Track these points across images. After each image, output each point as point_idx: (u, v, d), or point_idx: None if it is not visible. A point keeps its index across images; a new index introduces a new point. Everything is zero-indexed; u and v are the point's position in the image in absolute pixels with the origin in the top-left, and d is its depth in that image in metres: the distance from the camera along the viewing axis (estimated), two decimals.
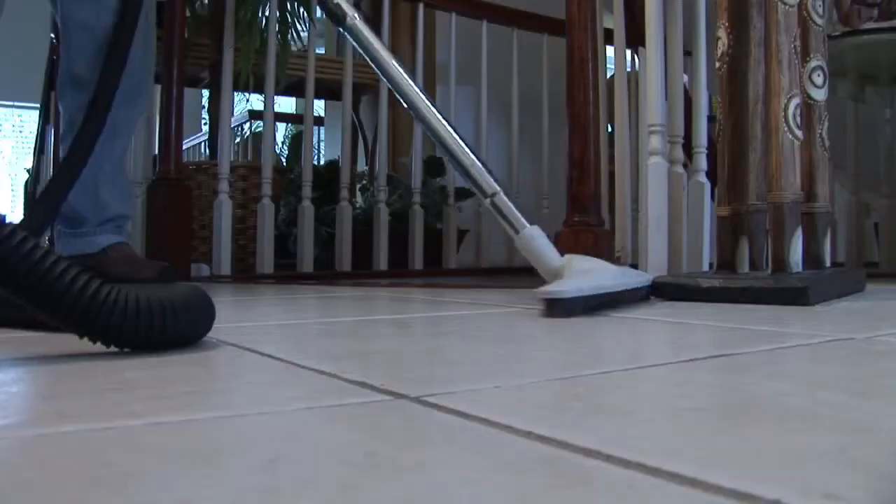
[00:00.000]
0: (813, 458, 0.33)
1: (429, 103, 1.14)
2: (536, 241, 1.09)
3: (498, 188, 1.11)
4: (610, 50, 2.07)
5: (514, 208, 1.10)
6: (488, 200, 1.11)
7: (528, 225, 1.10)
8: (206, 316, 0.71)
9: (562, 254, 1.11)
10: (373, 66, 1.17)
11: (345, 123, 2.66)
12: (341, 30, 1.17)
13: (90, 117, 1.22)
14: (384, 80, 1.17)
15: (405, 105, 1.15)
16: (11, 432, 0.39)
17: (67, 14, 1.47)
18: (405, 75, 1.15)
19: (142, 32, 1.52)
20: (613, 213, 1.90)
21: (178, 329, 0.66)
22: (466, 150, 1.12)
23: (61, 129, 1.53)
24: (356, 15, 1.15)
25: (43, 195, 1.22)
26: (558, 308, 0.97)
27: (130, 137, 1.60)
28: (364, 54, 1.17)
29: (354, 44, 1.18)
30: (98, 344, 0.62)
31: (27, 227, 1.14)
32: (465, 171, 1.12)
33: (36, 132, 4.43)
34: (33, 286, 0.58)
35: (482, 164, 1.12)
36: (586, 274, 1.06)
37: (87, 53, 1.46)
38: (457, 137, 1.12)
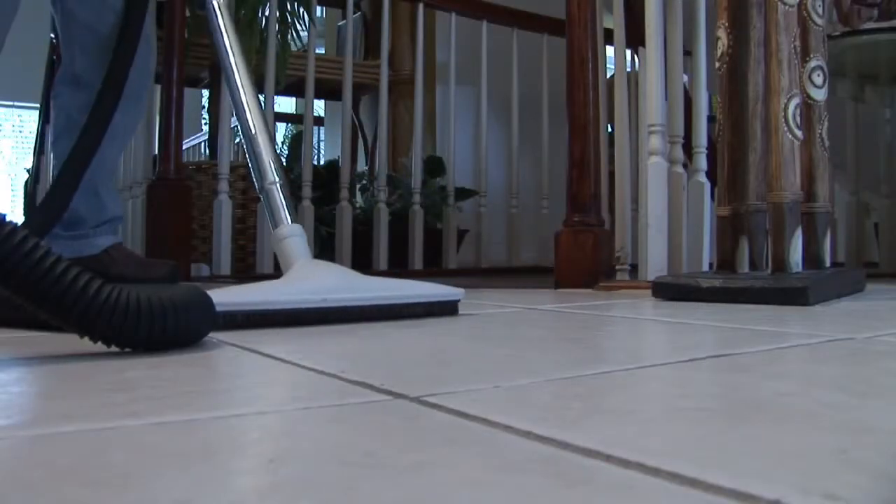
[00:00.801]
0: (813, 458, 0.33)
1: (246, 87, 1.11)
2: (283, 242, 1.02)
3: (277, 179, 1.05)
4: (610, 50, 2.07)
5: (281, 203, 1.04)
6: (263, 194, 1.06)
7: (288, 222, 1.02)
8: (206, 316, 0.71)
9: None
10: (214, 44, 1.18)
11: (345, 123, 2.66)
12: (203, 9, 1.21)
13: (95, 119, 1.22)
14: (219, 60, 1.16)
15: (227, 86, 1.14)
16: (13, 432, 0.39)
17: (69, 13, 1.47)
18: (236, 61, 1.13)
19: (144, 35, 1.52)
20: (613, 213, 1.90)
21: (178, 329, 0.66)
22: (264, 135, 1.08)
23: (56, 130, 1.53)
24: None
25: (47, 197, 1.22)
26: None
27: (129, 139, 1.60)
28: (212, 32, 1.18)
29: (210, 22, 1.19)
30: (99, 344, 0.62)
31: (30, 228, 1.14)
32: (253, 154, 1.08)
33: (36, 132, 4.42)
34: (34, 286, 0.58)
35: (272, 154, 1.09)
36: (293, 282, 0.96)
37: (89, 53, 1.46)
38: (261, 123, 1.09)
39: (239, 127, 1.10)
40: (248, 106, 1.10)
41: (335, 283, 0.96)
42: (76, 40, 1.47)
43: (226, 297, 0.86)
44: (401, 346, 0.75)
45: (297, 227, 1.02)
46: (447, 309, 1.02)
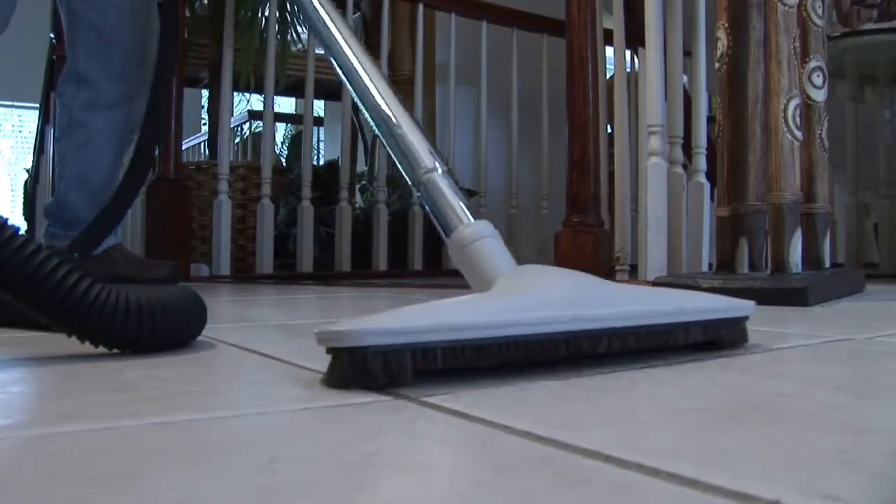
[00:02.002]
0: (813, 459, 0.33)
1: (369, 70, 0.81)
2: (475, 245, 0.65)
3: (438, 166, 0.72)
4: (609, 50, 2.07)
5: (453, 196, 0.70)
6: (424, 187, 0.72)
7: (470, 219, 0.67)
8: (196, 317, 0.70)
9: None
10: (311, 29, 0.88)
11: (344, 124, 2.66)
12: None
13: (149, 132, 1.20)
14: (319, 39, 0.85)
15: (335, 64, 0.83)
16: (13, 432, 0.39)
17: (73, 12, 1.47)
18: (346, 41, 0.82)
19: (149, 36, 1.52)
20: (613, 214, 1.90)
21: (167, 330, 0.65)
22: (410, 123, 0.77)
23: (58, 129, 1.53)
24: None
25: (107, 208, 1.21)
26: (346, 368, 0.49)
27: (133, 140, 1.60)
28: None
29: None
30: (87, 343, 0.62)
31: (84, 242, 1.14)
32: (397, 143, 0.76)
33: (36, 132, 4.42)
34: (22, 283, 0.58)
35: (429, 141, 0.76)
36: (515, 295, 0.58)
37: (93, 52, 1.47)
38: (400, 109, 0.80)
39: (370, 117, 0.80)
40: (380, 92, 0.79)
41: (580, 293, 0.60)
42: (80, 39, 1.47)
43: (395, 321, 0.51)
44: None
45: (487, 225, 0.67)
46: (734, 332, 0.66)
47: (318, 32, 0.85)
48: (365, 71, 0.81)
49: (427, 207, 0.72)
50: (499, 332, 0.52)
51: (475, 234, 0.66)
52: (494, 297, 0.58)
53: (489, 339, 0.51)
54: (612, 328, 0.57)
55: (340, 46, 0.82)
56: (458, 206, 0.69)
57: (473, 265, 0.64)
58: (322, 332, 0.51)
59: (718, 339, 0.64)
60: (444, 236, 0.68)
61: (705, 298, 0.69)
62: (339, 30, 0.83)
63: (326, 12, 0.85)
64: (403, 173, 0.75)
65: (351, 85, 0.82)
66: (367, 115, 0.81)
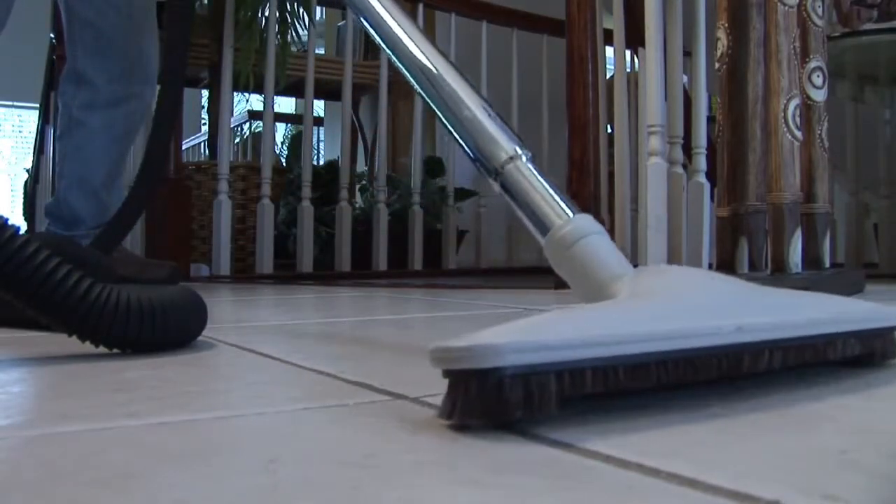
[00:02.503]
0: (813, 459, 0.33)
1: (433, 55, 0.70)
2: (580, 244, 0.54)
3: (521, 152, 0.64)
4: (609, 50, 2.07)
5: (545, 187, 0.60)
6: (503, 177, 0.64)
7: (570, 213, 0.57)
8: (197, 317, 0.70)
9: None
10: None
11: (344, 124, 2.66)
12: None
13: (159, 132, 1.20)
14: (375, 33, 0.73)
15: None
16: (13, 432, 0.39)
17: (72, 11, 1.47)
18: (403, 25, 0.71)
19: (149, 36, 1.52)
20: (613, 214, 1.90)
21: (168, 330, 0.65)
22: (481, 107, 0.69)
23: (58, 128, 1.53)
24: None
25: (124, 206, 1.21)
26: (474, 397, 0.37)
27: (132, 140, 1.60)
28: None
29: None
30: (93, 345, 0.62)
31: (111, 232, 1.14)
32: (467, 129, 0.68)
33: (36, 132, 4.42)
34: (23, 283, 0.58)
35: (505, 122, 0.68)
36: (648, 302, 0.48)
37: (91, 51, 1.47)
38: (469, 91, 0.70)
39: (430, 102, 0.70)
40: (447, 75, 0.68)
41: (731, 299, 0.51)
42: (79, 38, 1.47)
43: (532, 334, 0.39)
44: (400, 347, 0.74)
45: (590, 220, 0.56)
46: (888, 344, 0.55)
47: (372, 18, 0.71)
48: (428, 58, 0.69)
49: (512, 202, 0.62)
50: (663, 346, 0.41)
51: (579, 232, 0.55)
52: (636, 304, 0.47)
53: (652, 354, 0.41)
54: (775, 340, 0.47)
55: (403, 43, 0.70)
56: (554, 200, 0.58)
57: (580, 268, 0.53)
58: (440, 350, 0.39)
59: (873, 351, 0.53)
60: (538, 236, 0.58)
61: (857, 305, 0.58)
62: (394, 13, 0.70)
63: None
64: (476, 163, 0.66)
65: (409, 71, 0.70)
66: (427, 99, 0.70)
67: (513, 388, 0.36)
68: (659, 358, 0.41)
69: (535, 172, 0.61)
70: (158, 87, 1.38)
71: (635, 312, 0.45)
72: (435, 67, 0.68)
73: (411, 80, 0.70)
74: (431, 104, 0.69)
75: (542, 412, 0.37)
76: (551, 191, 0.59)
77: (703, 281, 0.55)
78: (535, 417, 0.37)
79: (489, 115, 0.66)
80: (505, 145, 0.64)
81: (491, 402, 0.36)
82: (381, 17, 0.69)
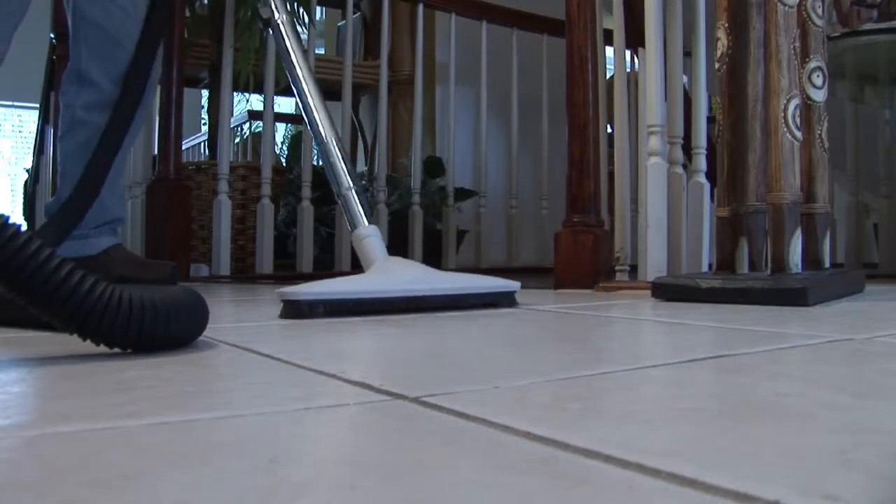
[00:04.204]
0: (813, 459, 0.33)
1: (314, 97, 1.23)
2: (363, 241, 1.14)
3: (352, 185, 1.18)
4: (609, 51, 2.07)
5: (358, 207, 1.17)
6: (341, 197, 1.18)
7: (365, 224, 1.16)
8: (198, 318, 0.70)
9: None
10: (283, 60, 1.28)
11: (344, 123, 2.66)
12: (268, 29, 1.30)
13: (115, 123, 1.23)
14: (289, 76, 1.27)
15: (298, 99, 1.25)
16: (13, 432, 0.39)
17: (78, 11, 1.47)
18: (304, 76, 1.24)
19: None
20: (613, 214, 1.90)
21: (169, 330, 0.65)
22: (336, 145, 1.20)
23: (61, 128, 1.53)
24: (283, 17, 1.28)
25: (68, 201, 1.25)
26: (289, 309, 1.00)
27: (133, 141, 1.60)
28: (280, 50, 1.29)
29: (276, 41, 1.31)
30: (96, 344, 0.62)
31: (49, 231, 1.15)
32: (329, 163, 1.19)
33: (36, 132, 4.42)
34: (24, 280, 0.58)
35: (345, 161, 1.20)
36: (379, 275, 1.09)
37: (96, 51, 1.47)
38: (332, 133, 1.21)
39: (314, 137, 1.23)
40: (319, 117, 1.22)
41: (415, 275, 1.11)
42: (84, 38, 1.47)
43: (317, 288, 1.01)
44: (400, 347, 0.75)
45: (374, 228, 1.16)
46: (507, 300, 1.17)
47: (284, 58, 1.27)
48: (311, 96, 1.24)
49: (344, 212, 1.19)
50: (364, 296, 1.04)
51: (366, 234, 1.16)
52: (366, 277, 1.09)
53: (361, 300, 1.03)
54: (429, 296, 1.08)
55: (299, 74, 1.25)
56: (361, 215, 1.17)
57: (362, 253, 1.14)
58: (281, 292, 1.02)
59: (498, 303, 1.16)
60: (350, 231, 1.17)
61: (489, 280, 1.21)
62: (298, 59, 1.26)
63: (291, 43, 1.28)
64: (330, 182, 1.21)
65: (303, 108, 1.25)
66: (315, 140, 1.23)
67: (305, 307, 1.00)
68: (369, 299, 1.04)
69: (356, 198, 1.18)
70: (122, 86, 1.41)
71: (365, 280, 1.09)
72: (320, 117, 1.23)
73: (311, 126, 1.24)
74: (316, 143, 1.23)
75: (315, 316, 0.99)
76: (361, 208, 1.18)
77: (406, 266, 1.16)
78: (314, 317, 0.98)
79: (344, 156, 1.22)
80: (346, 179, 1.19)
81: (297, 312, 0.99)
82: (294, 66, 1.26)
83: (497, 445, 0.36)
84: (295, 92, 1.25)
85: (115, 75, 1.48)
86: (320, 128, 1.21)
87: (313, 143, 3.25)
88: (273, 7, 1.27)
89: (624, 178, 1.85)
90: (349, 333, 0.85)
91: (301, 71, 1.24)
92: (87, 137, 1.48)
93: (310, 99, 1.23)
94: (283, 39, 1.27)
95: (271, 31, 1.29)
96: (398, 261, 1.16)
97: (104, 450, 0.35)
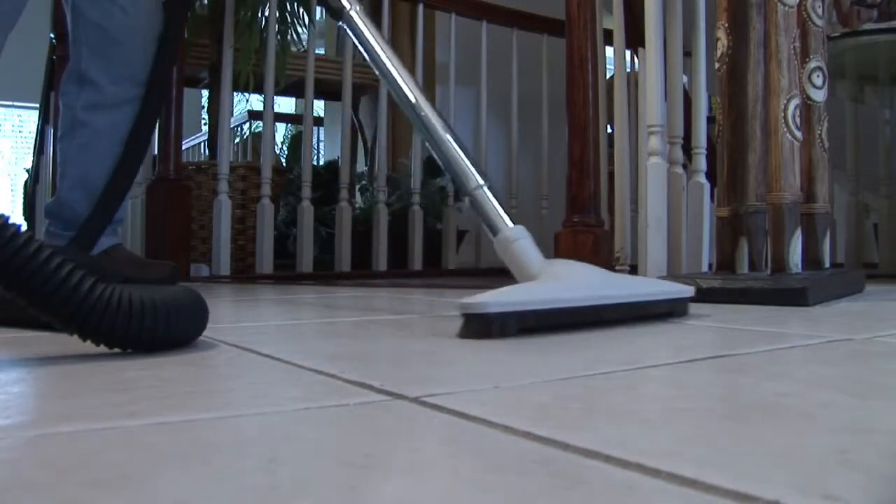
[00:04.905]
0: (812, 459, 0.33)
1: (418, 93, 1.04)
2: (514, 245, 0.91)
3: (483, 182, 0.96)
4: (609, 51, 2.07)
5: (497, 206, 0.94)
6: (468, 197, 0.97)
7: (510, 224, 0.93)
8: (198, 318, 0.70)
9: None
10: (367, 58, 1.10)
11: (344, 123, 2.66)
12: (341, 23, 1.11)
13: (140, 127, 1.21)
14: (378, 73, 1.09)
15: (396, 97, 1.06)
16: (13, 432, 0.39)
17: (78, 11, 1.47)
18: (398, 69, 1.07)
19: (153, 38, 1.52)
20: (613, 214, 1.90)
21: (169, 330, 0.65)
22: (453, 138, 1.01)
23: (60, 129, 1.53)
24: (356, 7, 1.09)
25: (99, 202, 1.23)
26: (475, 326, 0.76)
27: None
28: (360, 47, 1.11)
29: (352, 37, 1.11)
30: (94, 345, 0.62)
31: (81, 239, 1.14)
32: (448, 159, 1.00)
33: (36, 132, 4.42)
34: (24, 280, 0.58)
35: (468, 154, 1.00)
36: (557, 281, 0.87)
37: (96, 52, 1.47)
38: (444, 126, 1.01)
39: (426, 138, 1.03)
40: (428, 111, 1.02)
41: (596, 280, 0.92)
42: (84, 38, 1.47)
43: (503, 297, 0.78)
44: (400, 347, 0.75)
45: (522, 229, 0.94)
46: (682, 307, 0.98)
47: (371, 55, 1.08)
48: (413, 92, 1.04)
49: (478, 213, 0.96)
50: (558, 305, 0.81)
51: (515, 236, 0.92)
52: (547, 283, 0.86)
53: (554, 310, 0.80)
54: (621, 303, 0.88)
55: (391, 69, 1.07)
56: (502, 215, 0.94)
57: (515, 258, 0.91)
58: (461, 304, 0.77)
59: (672, 312, 0.96)
60: (491, 235, 0.94)
61: (664, 284, 1.02)
62: (386, 54, 1.08)
63: (373, 35, 1.08)
64: (455, 182, 1.01)
65: (404, 105, 1.04)
66: (425, 137, 1.03)
67: (496, 322, 0.75)
68: (561, 310, 0.81)
69: (491, 196, 0.95)
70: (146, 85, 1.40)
71: (553, 286, 0.85)
72: (434, 119, 1.01)
73: (419, 126, 1.03)
74: (431, 143, 1.02)
75: (507, 335, 0.75)
76: (499, 210, 0.95)
77: (584, 270, 0.94)
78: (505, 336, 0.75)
79: (465, 151, 0.99)
80: (474, 177, 0.97)
81: (485, 329, 0.75)
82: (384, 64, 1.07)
83: (497, 445, 0.36)
84: (391, 89, 1.06)
85: (115, 75, 1.48)
86: (432, 121, 1.00)
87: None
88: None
89: (624, 178, 1.85)
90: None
91: (393, 64, 1.06)
92: (87, 138, 1.48)
93: (411, 94, 1.03)
94: (362, 32, 1.07)
95: (345, 26, 1.09)
96: (567, 263, 0.98)
97: (104, 450, 0.35)
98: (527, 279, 0.87)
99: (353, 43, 1.11)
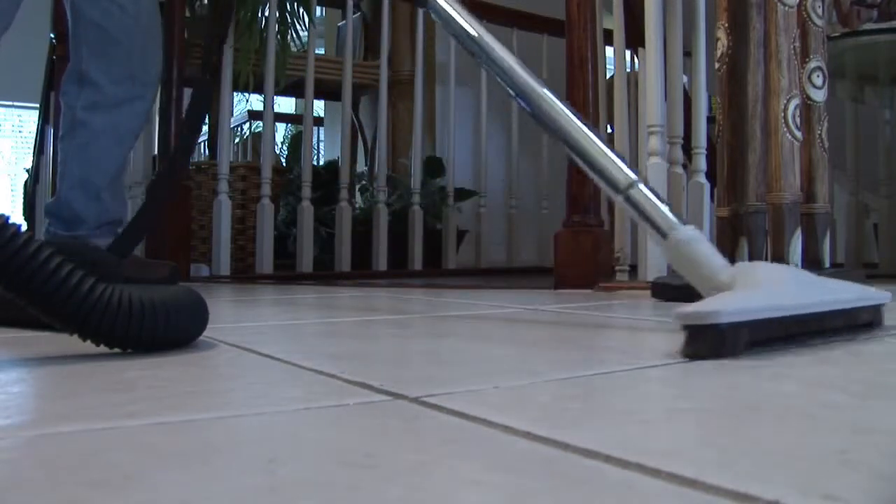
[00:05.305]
0: (813, 459, 0.33)
1: (535, 81, 0.88)
2: (691, 247, 0.77)
3: (636, 178, 0.80)
4: (609, 51, 2.07)
5: (662, 204, 0.80)
6: (621, 197, 0.81)
7: (681, 223, 0.78)
8: (198, 318, 0.70)
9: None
10: (459, 42, 0.94)
11: (344, 123, 2.67)
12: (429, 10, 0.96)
13: (186, 133, 1.20)
14: (482, 58, 0.91)
15: (508, 85, 0.90)
16: (12, 432, 0.39)
17: (77, 11, 1.47)
18: (505, 56, 0.90)
19: (153, 38, 1.52)
20: (613, 214, 1.90)
21: (169, 330, 0.65)
22: (593, 131, 0.84)
23: (61, 129, 1.53)
24: None
25: (141, 211, 1.22)
26: (705, 341, 0.62)
27: (134, 142, 1.60)
28: (449, 32, 0.95)
29: (440, 22, 0.95)
30: (94, 345, 0.62)
31: (128, 237, 1.14)
32: (589, 157, 0.83)
33: (36, 132, 4.42)
34: (24, 281, 0.58)
35: (611, 150, 0.84)
36: (769, 287, 0.73)
37: (96, 51, 1.47)
38: (578, 120, 0.85)
39: (554, 130, 0.87)
40: (561, 104, 0.86)
41: (805, 284, 0.80)
42: (84, 38, 1.47)
43: (731, 304, 0.66)
44: (400, 347, 0.75)
45: (695, 228, 0.79)
46: (879, 316, 0.82)
47: (472, 44, 0.92)
48: (532, 80, 0.88)
49: (637, 213, 0.81)
50: (790, 312, 0.69)
51: (691, 236, 0.77)
52: (762, 289, 0.72)
53: (786, 319, 0.68)
54: (834, 311, 0.75)
55: (500, 56, 0.90)
56: (671, 213, 0.79)
57: (693, 261, 0.77)
58: (682, 314, 0.64)
59: (873, 321, 0.81)
60: (659, 239, 0.79)
61: (860, 288, 0.85)
62: (487, 39, 0.91)
63: (468, 21, 0.92)
64: (603, 184, 0.83)
65: (524, 97, 0.89)
66: (552, 129, 0.88)
67: (729, 335, 0.62)
68: (789, 319, 0.68)
69: (651, 193, 0.80)
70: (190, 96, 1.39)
71: (768, 293, 0.71)
72: (566, 115, 0.86)
73: (553, 129, 0.88)
74: (565, 140, 0.86)
75: (738, 352, 0.62)
76: (664, 208, 0.79)
77: (781, 272, 0.82)
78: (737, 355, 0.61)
79: (610, 148, 0.84)
80: (627, 172, 0.81)
81: (717, 344, 0.61)
82: (512, 69, 0.89)
83: (497, 445, 0.36)
84: (503, 80, 0.90)
85: (115, 75, 1.48)
86: (565, 112, 0.86)
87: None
88: None
89: None
90: None
91: (501, 52, 0.89)
92: (87, 138, 1.48)
93: (529, 84, 0.87)
94: (455, 19, 0.92)
95: (433, 14, 0.95)
96: (757, 265, 0.88)
97: (104, 450, 0.35)
98: (713, 287, 0.74)
99: (453, 29, 0.93)
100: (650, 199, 0.79)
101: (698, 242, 0.77)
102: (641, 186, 0.80)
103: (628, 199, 0.80)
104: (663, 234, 0.79)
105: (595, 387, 0.50)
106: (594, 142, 0.83)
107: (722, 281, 0.73)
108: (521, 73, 0.88)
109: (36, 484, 0.30)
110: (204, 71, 1.28)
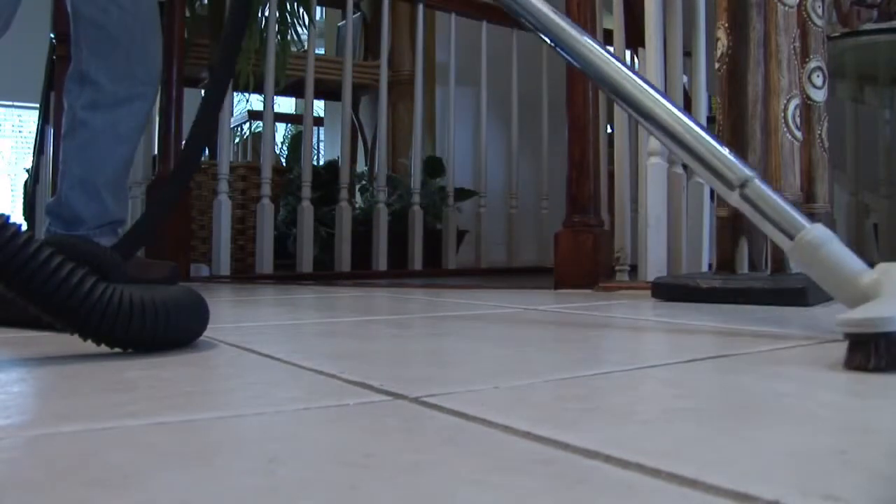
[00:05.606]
0: (812, 459, 0.33)
1: (628, 70, 0.83)
2: (824, 249, 0.70)
3: (750, 173, 0.74)
4: (610, 50, 2.07)
5: (784, 202, 0.73)
6: (736, 193, 0.74)
7: (806, 224, 0.72)
8: (199, 318, 0.70)
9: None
10: (539, 32, 0.90)
11: (344, 123, 2.66)
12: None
13: (200, 124, 1.19)
14: (560, 46, 0.87)
15: (597, 80, 0.85)
16: (13, 432, 0.39)
17: (76, 11, 1.47)
18: (587, 41, 0.86)
19: (153, 37, 1.52)
20: (613, 214, 1.90)
21: (169, 330, 0.65)
22: (697, 124, 0.78)
23: (63, 128, 1.53)
24: None
25: (147, 212, 1.21)
26: (871, 354, 0.55)
27: (136, 142, 1.60)
28: (528, 21, 0.91)
29: (516, 9, 0.91)
30: (95, 345, 0.62)
31: (133, 237, 1.14)
32: (697, 153, 0.77)
33: (36, 132, 4.42)
34: (25, 280, 0.58)
35: (719, 144, 0.77)
36: None
37: (95, 51, 1.47)
38: (683, 112, 0.79)
39: (653, 126, 0.80)
40: (658, 98, 0.80)
41: None
42: (83, 37, 1.47)
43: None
44: (400, 347, 0.75)
45: (824, 228, 0.72)
46: None
47: (541, 24, 0.89)
48: (618, 64, 0.83)
49: (756, 212, 0.74)
50: None
51: (823, 237, 0.70)
52: None
53: None
54: None
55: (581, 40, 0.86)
56: (796, 211, 0.73)
57: (828, 265, 0.70)
58: (847, 321, 0.58)
59: None
60: (782, 241, 0.72)
61: None
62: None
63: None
64: (712, 180, 0.77)
65: (611, 86, 0.84)
66: (650, 123, 0.80)
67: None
68: None
69: (769, 191, 0.74)
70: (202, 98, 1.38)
71: None
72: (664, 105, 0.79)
73: (654, 130, 0.80)
74: (669, 135, 0.79)
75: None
76: (786, 205, 0.73)
77: None
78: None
79: (720, 144, 0.77)
80: (741, 167, 0.75)
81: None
82: (608, 66, 0.84)
83: (497, 445, 0.36)
84: (590, 72, 0.85)
85: (115, 74, 1.48)
86: (668, 106, 0.79)
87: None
88: None
89: (624, 178, 1.85)
90: None
91: (581, 35, 0.85)
92: (87, 137, 1.48)
93: (625, 74, 0.82)
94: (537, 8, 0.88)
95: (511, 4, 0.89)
96: None
97: (104, 450, 0.35)
98: (850, 291, 0.68)
99: (533, 27, 0.90)
100: (772, 196, 0.73)
101: (831, 243, 0.70)
102: (758, 182, 0.74)
103: (746, 197, 0.74)
104: (790, 235, 0.72)
105: (595, 387, 0.50)
106: (702, 137, 0.76)
107: (865, 286, 0.67)
108: (621, 68, 0.83)
109: (36, 484, 0.30)
110: (216, 73, 1.26)
